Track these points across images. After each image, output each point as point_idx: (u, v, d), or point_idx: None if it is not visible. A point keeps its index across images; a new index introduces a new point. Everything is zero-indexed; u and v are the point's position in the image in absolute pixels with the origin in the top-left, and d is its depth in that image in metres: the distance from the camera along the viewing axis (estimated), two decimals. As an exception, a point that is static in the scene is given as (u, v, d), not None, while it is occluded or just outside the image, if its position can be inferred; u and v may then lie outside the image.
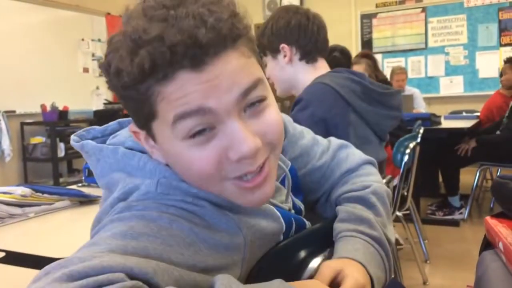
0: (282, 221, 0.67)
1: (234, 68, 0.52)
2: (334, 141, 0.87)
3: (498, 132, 3.66)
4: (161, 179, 0.58)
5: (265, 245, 0.66)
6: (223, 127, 0.53)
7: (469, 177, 3.95)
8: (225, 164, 0.54)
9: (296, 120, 1.26)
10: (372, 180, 0.81)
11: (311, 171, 0.82)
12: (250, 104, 0.54)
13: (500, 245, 0.35)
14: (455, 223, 3.52)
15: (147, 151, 0.61)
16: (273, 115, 0.57)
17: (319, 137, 0.87)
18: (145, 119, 0.56)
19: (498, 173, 4.14)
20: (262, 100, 0.55)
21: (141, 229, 0.50)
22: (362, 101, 1.31)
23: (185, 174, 0.57)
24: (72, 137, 0.67)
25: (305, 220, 0.77)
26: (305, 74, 1.40)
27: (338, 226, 0.73)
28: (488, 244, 0.41)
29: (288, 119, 0.84)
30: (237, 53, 0.53)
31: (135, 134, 0.61)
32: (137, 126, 0.59)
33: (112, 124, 0.70)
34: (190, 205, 0.56)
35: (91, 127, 0.69)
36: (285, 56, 1.41)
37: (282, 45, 1.40)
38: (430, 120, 3.55)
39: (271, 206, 0.67)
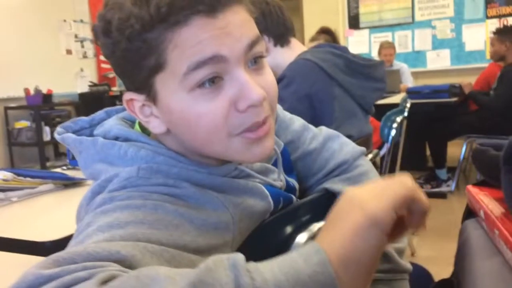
0: (270, 199, 0.67)
1: (243, 19, 0.55)
2: (325, 129, 0.88)
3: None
4: (142, 165, 0.57)
5: (253, 226, 0.65)
6: (230, 77, 0.54)
7: (456, 149, 3.98)
8: (233, 117, 0.55)
9: (279, 98, 1.25)
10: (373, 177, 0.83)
11: (302, 156, 0.83)
12: (253, 58, 0.56)
13: (481, 213, 0.35)
14: (442, 196, 3.57)
15: (143, 123, 0.60)
16: (271, 76, 0.60)
17: (309, 124, 0.87)
18: (149, 73, 0.55)
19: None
20: (263, 56, 0.58)
21: (126, 218, 0.49)
22: (345, 74, 1.29)
23: (190, 133, 0.56)
24: (57, 129, 0.67)
25: (293, 197, 0.76)
26: (284, 59, 1.38)
27: None
28: (470, 213, 0.40)
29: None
30: (244, 8, 0.56)
31: (130, 103, 0.60)
32: (134, 90, 0.58)
33: (100, 113, 0.70)
34: (172, 188, 0.56)
35: (78, 118, 0.69)
36: None
37: None
38: (449, 92, 3.55)
39: (259, 184, 0.66)
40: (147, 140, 0.61)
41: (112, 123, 0.64)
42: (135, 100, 0.59)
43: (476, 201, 0.37)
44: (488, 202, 0.35)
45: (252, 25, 0.57)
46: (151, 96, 0.57)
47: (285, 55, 1.38)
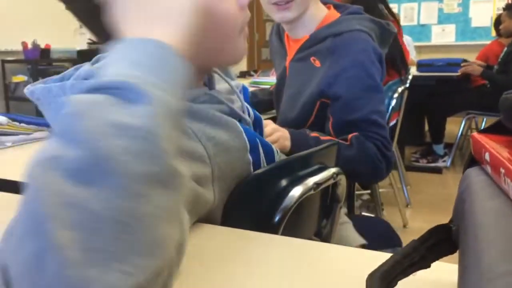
0: (245, 136, 0.67)
1: None
2: None
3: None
4: None
5: (233, 164, 0.65)
6: None
7: (454, 127, 3.97)
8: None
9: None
10: None
11: None
12: None
13: (487, 155, 0.34)
14: (438, 170, 3.58)
15: None
16: None
17: None
18: None
19: (484, 123, 4.18)
20: None
21: None
22: (379, 43, 1.22)
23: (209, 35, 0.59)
24: (28, 87, 0.62)
25: (273, 147, 0.75)
26: (314, 10, 1.24)
27: None
28: (472, 162, 0.39)
29: None
30: None
31: None
32: None
33: (69, 70, 0.65)
34: None
35: (48, 78, 0.64)
36: None
37: None
38: (460, 66, 3.52)
39: (234, 120, 0.66)
40: None
41: (83, 69, 0.60)
42: None
43: (482, 145, 0.36)
44: (494, 145, 0.34)
45: None
46: None
47: (316, 9, 1.24)
